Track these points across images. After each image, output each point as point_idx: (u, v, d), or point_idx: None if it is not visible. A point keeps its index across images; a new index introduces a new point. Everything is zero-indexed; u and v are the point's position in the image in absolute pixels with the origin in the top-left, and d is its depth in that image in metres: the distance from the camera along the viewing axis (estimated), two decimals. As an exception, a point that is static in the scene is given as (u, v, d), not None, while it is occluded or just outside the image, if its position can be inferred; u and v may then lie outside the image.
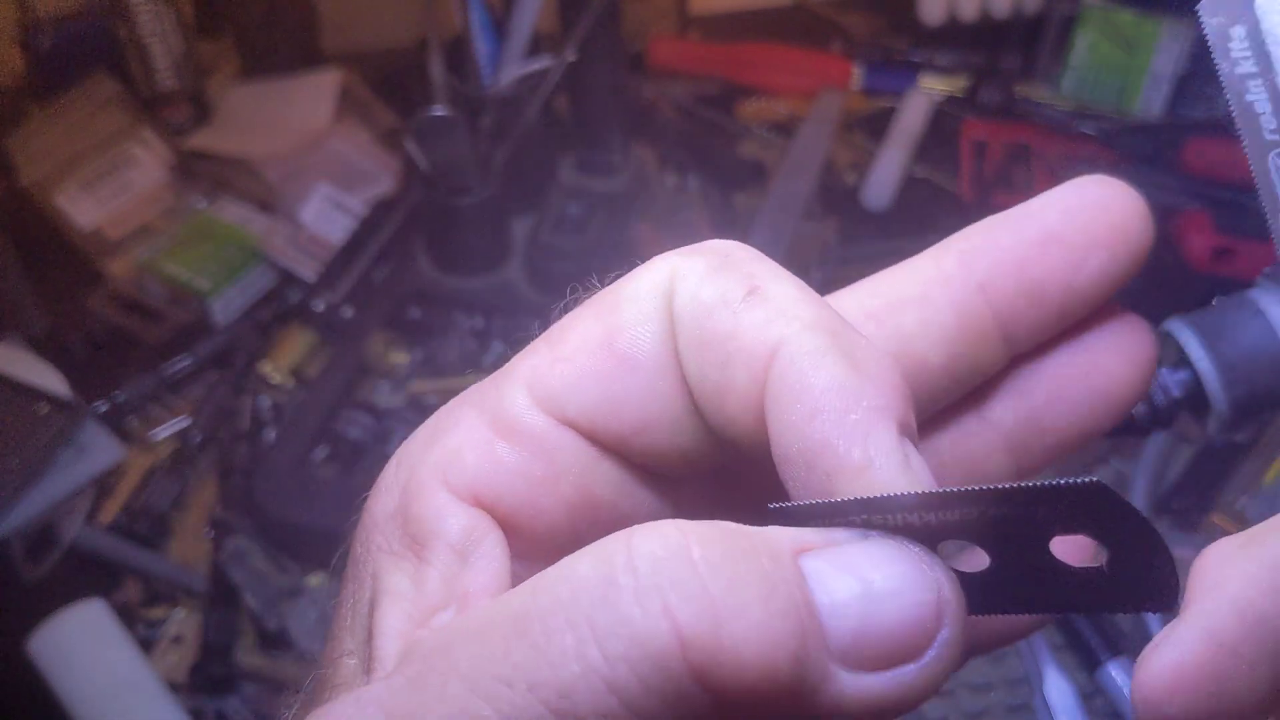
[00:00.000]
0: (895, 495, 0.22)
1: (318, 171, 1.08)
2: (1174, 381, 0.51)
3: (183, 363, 0.96)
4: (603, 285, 0.29)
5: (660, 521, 0.22)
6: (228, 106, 1.17)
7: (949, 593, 0.23)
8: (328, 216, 1.05)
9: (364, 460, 0.88)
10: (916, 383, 0.29)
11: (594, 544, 0.22)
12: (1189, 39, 1.08)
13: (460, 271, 0.99)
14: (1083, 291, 0.29)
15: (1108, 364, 0.30)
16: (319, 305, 0.98)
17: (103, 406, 0.92)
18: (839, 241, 1.04)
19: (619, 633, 0.20)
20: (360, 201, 1.07)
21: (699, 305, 0.26)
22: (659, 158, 1.14)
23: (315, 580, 0.84)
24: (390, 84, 1.19)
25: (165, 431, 0.94)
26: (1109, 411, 0.31)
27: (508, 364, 0.29)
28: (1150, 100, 1.12)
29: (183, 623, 0.83)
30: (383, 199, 1.07)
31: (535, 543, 0.28)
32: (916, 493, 0.22)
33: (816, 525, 0.24)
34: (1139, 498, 0.81)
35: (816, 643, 0.21)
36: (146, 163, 1.09)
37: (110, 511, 0.88)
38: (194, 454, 0.92)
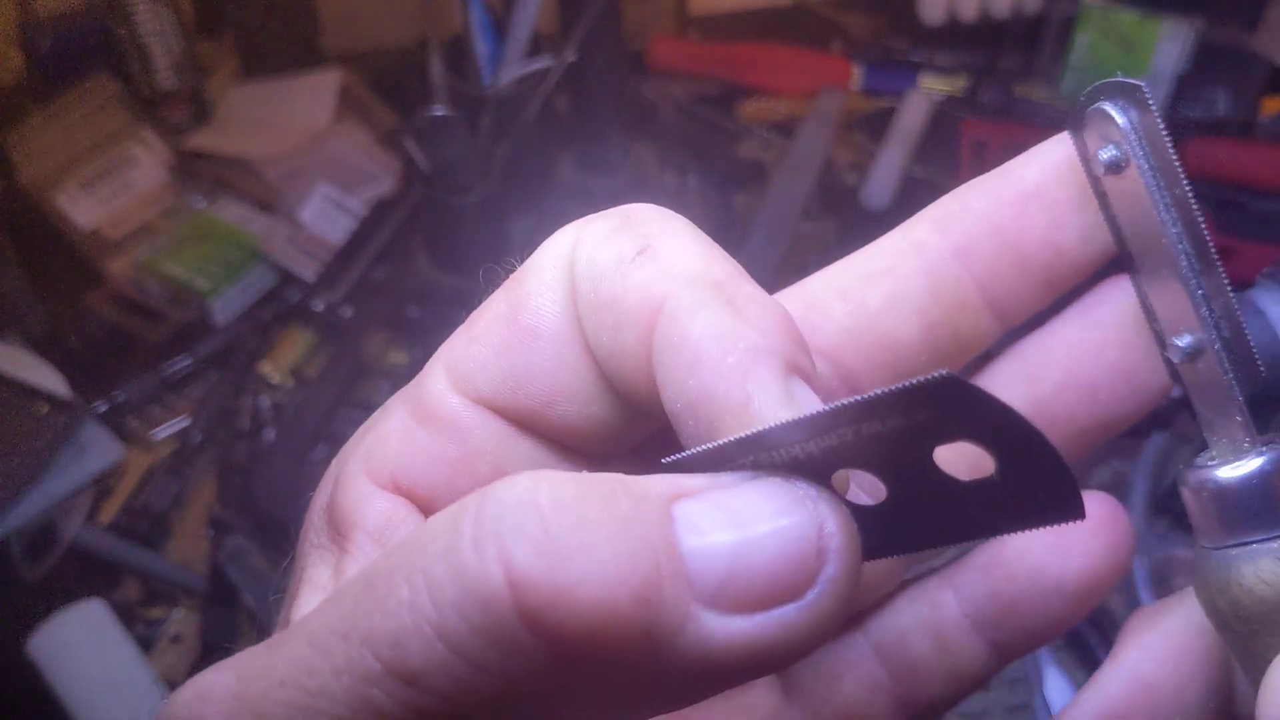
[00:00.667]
0: (772, 428, 0.21)
1: (318, 171, 1.08)
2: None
3: (183, 363, 0.96)
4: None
5: (521, 473, 0.21)
6: (228, 106, 1.17)
7: (834, 527, 0.21)
8: (328, 216, 1.05)
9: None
10: (889, 359, 0.28)
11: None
12: (1189, 39, 1.08)
13: (460, 271, 0.99)
14: (1070, 252, 0.27)
15: (1124, 339, 0.28)
16: (319, 305, 0.98)
17: (103, 406, 0.92)
18: (839, 241, 1.04)
19: (451, 580, 0.19)
20: (360, 201, 1.07)
21: (593, 269, 0.25)
22: (659, 158, 1.14)
23: (315, 580, 0.84)
24: (390, 84, 1.19)
25: (165, 431, 0.94)
26: (1133, 396, 0.28)
27: (435, 353, 0.29)
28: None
29: (182, 622, 0.83)
30: (383, 199, 1.07)
31: None
32: (787, 420, 0.21)
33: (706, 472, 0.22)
34: (1139, 497, 0.81)
35: (675, 584, 0.20)
36: (146, 163, 1.09)
37: (110, 511, 0.88)
38: (194, 454, 0.92)
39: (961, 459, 0.22)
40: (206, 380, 0.97)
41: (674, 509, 0.21)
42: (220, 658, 0.28)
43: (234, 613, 0.82)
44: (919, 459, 0.22)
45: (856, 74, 1.20)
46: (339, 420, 0.90)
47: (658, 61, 1.23)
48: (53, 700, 0.75)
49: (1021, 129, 1.11)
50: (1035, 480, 0.22)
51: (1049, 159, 0.28)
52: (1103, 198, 0.27)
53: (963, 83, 1.18)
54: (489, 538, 0.19)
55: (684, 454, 0.23)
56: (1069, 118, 0.27)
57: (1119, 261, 0.27)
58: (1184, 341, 0.25)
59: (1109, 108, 0.25)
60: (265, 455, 0.89)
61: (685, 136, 1.16)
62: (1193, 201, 0.25)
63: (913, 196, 1.09)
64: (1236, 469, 0.25)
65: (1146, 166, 0.25)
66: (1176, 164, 0.25)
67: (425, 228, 1.02)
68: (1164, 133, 0.25)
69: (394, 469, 0.27)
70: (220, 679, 0.22)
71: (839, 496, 0.22)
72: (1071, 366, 0.28)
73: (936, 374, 0.20)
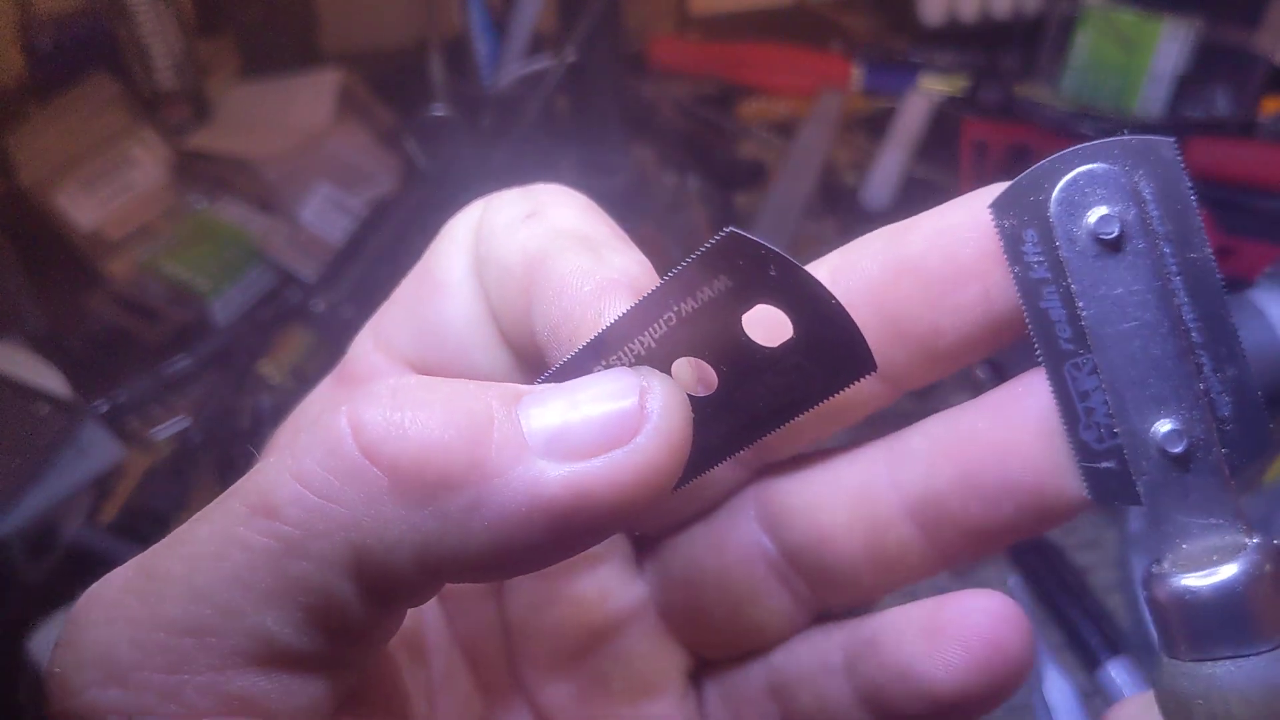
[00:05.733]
0: (609, 327, 0.24)
1: (318, 171, 1.08)
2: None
3: (183, 363, 0.96)
4: None
5: None
6: (228, 106, 1.17)
7: (658, 391, 0.23)
8: (328, 216, 1.05)
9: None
10: None
11: None
12: (1189, 39, 1.08)
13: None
14: (948, 333, 0.26)
15: (1032, 450, 0.25)
16: (319, 305, 0.98)
17: (103, 406, 0.92)
18: (839, 241, 1.04)
19: (311, 439, 0.23)
20: (360, 201, 1.07)
21: (489, 230, 0.28)
22: (659, 158, 1.14)
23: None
24: (390, 84, 1.19)
25: (165, 431, 0.94)
26: (1035, 508, 0.26)
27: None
28: (1150, 100, 1.12)
29: (183, 623, 0.83)
30: (383, 199, 1.07)
31: None
32: (620, 315, 0.24)
33: None
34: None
35: (506, 430, 0.22)
36: (146, 163, 1.09)
37: (110, 511, 0.88)
38: (194, 454, 0.92)
39: (765, 328, 0.24)
40: (206, 380, 0.97)
41: (520, 403, 0.23)
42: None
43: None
44: (732, 331, 0.24)
45: (856, 74, 1.20)
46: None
47: (658, 61, 1.23)
48: (53, 700, 0.74)
49: (1021, 129, 1.11)
50: (828, 335, 0.24)
51: (939, 225, 0.26)
52: (1033, 287, 0.24)
53: (963, 83, 1.18)
54: (344, 405, 0.23)
55: (550, 371, 0.25)
56: (1005, 195, 0.25)
57: (1042, 352, 0.25)
58: (1164, 429, 0.23)
59: (1107, 167, 0.24)
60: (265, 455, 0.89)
61: (685, 136, 1.16)
62: (1214, 264, 0.23)
63: (913, 196, 1.09)
64: (1211, 577, 0.22)
65: (1149, 230, 0.23)
66: (1199, 224, 0.23)
67: (425, 228, 1.02)
68: (1189, 187, 0.23)
69: None
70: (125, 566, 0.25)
71: (674, 380, 0.24)
72: (970, 468, 0.26)
73: (722, 231, 0.22)
